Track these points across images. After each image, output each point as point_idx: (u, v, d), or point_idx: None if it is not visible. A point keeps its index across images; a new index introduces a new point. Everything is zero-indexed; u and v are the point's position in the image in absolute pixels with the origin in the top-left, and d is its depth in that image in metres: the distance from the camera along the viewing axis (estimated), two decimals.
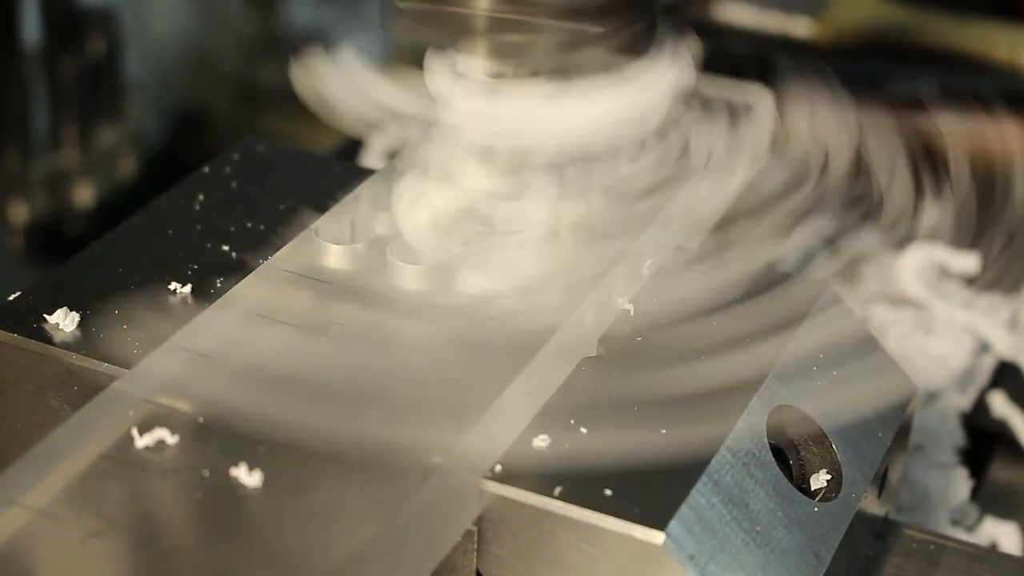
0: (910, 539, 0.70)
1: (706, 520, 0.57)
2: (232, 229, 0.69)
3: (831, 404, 0.65)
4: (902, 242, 1.01)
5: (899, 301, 0.96)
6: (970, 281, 0.97)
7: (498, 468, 0.58)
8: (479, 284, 0.64)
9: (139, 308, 0.64)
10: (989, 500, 0.83)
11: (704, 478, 0.58)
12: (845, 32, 1.17)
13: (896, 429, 0.67)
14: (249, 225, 0.69)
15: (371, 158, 1.03)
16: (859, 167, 1.08)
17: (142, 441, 0.56)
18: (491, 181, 0.65)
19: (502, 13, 0.62)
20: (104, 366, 0.61)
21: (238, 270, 0.65)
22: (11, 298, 0.64)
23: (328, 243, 0.66)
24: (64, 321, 0.62)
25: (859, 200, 1.06)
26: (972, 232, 1.01)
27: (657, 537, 0.55)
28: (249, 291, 0.64)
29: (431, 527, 0.56)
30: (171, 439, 0.56)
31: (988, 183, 1.08)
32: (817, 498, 0.62)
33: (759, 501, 0.59)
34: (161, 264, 0.66)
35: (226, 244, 0.68)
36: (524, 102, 0.64)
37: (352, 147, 1.05)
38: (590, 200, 0.68)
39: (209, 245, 0.68)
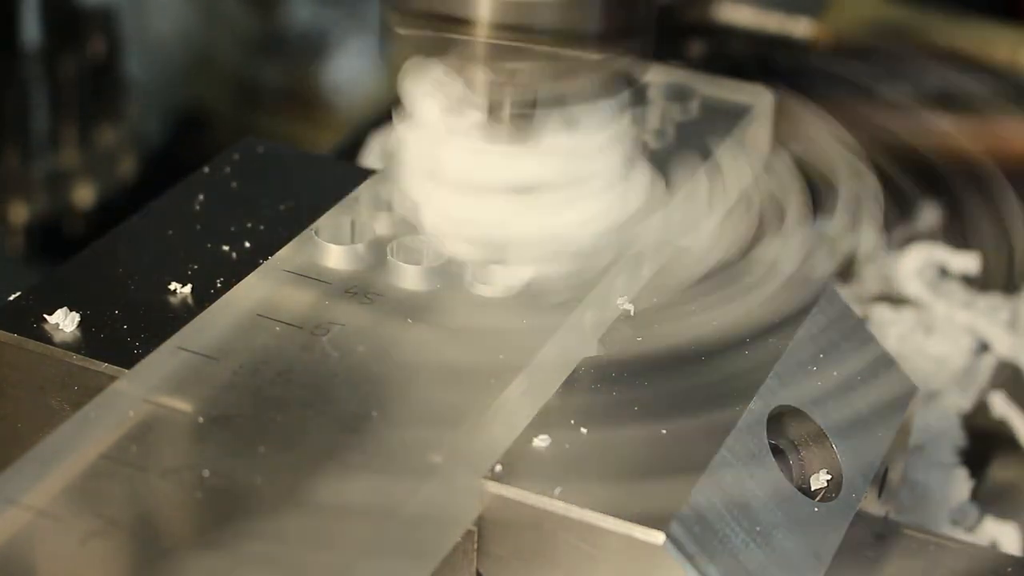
0: (910, 539, 0.70)
1: (706, 520, 0.57)
2: (232, 229, 0.69)
3: (831, 404, 0.65)
4: (902, 242, 1.01)
5: (899, 301, 0.96)
6: (970, 281, 0.98)
7: (498, 468, 0.58)
8: (480, 284, 0.64)
9: (139, 308, 0.64)
10: (989, 500, 0.83)
11: (704, 478, 0.58)
12: (845, 32, 1.17)
13: (896, 429, 0.67)
14: (249, 225, 0.69)
15: (371, 158, 1.03)
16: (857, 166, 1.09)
17: (142, 441, 0.56)
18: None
19: (502, 40, 0.62)
20: (104, 366, 0.61)
21: (238, 270, 0.65)
22: (11, 298, 0.64)
23: (328, 243, 0.66)
24: (64, 321, 0.62)
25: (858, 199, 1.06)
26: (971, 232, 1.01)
27: (657, 537, 0.55)
28: (249, 291, 0.64)
29: (431, 527, 0.56)
30: (171, 439, 0.57)
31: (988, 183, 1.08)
32: (817, 498, 0.62)
33: (759, 501, 0.59)
34: (161, 264, 0.66)
35: (226, 244, 0.68)
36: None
37: (352, 147, 1.05)
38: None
39: (209, 245, 0.68)
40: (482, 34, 0.62)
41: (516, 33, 0.62)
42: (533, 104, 0.64)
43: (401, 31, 0.64)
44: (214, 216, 0.70)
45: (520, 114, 0.64)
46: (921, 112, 1.09)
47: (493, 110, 0.64)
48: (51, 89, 1.19)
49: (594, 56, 0.63)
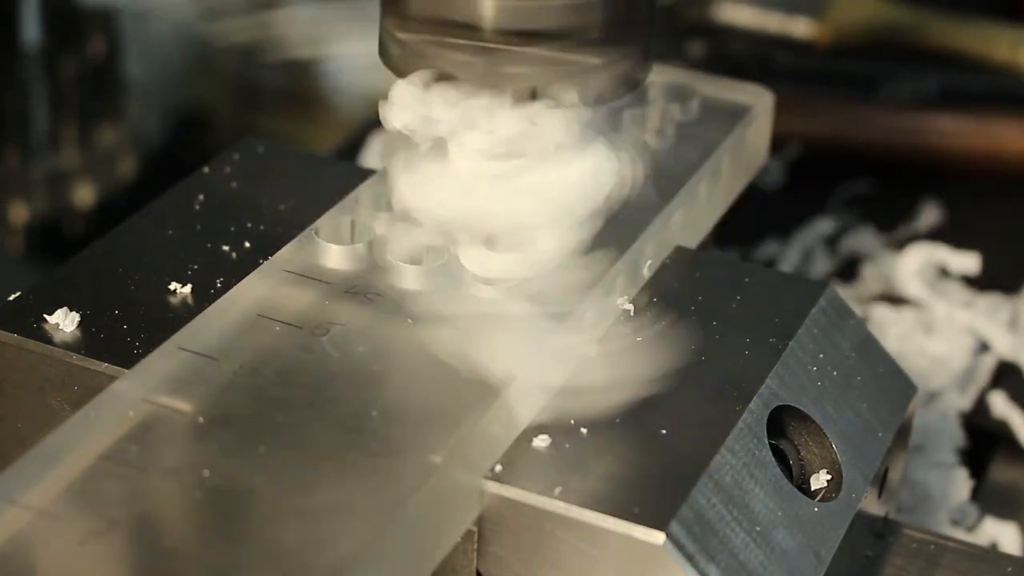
0: (910, 539, 0.70)
1: (706, 520, 0.57)
2: (232, 229, 0.69)
3: (831, 404, 0.65)
4: (902, 242, 1.01)
5: (899, 301, 0.96)
6: (970, 281, 0.98)
7: (498, 468, 0.58)
8: (480, 284, 0.64)
9: (139, 308, 0.64)
10: (989, 500, 0.83)
11: (704, 478, 0.58)
12: (845, 32, 1.17)
13: (896, 429, 0.67)
14: (249, 225, 0.69)
15: (371, 158, 1.03)
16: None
17: (142, 441, 0.56)
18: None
19: (500, 45, 0.62)
20: (104, 366, 0.61)
21: (238, 270, 0.65)
22: (11, 298, 0.64)
23: (328, 243, 0.66)
24: (64, 321, 0.62)
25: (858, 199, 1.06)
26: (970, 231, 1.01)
27: (657, 537, 0.55)
28: (249, 291, 0.64)
29: (431, 527, 0.56)
30: (171, 439, 0.57)
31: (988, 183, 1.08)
32: (817, 498, 0.62)
33: (759, 501, 0.59)
34: (161, 264, 0.66)
35: (226, 244, 0.68)
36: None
37: (352, 147, 1.05)
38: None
39: (209, 245, 0.68)
40: (482, 38, 0.62)
41: (515, 37, 0.62)
42: (532, 96, 0.64)
43: (402, 36, 0.64)
44: (214, 216, 0.70)
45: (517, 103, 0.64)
46: (921, 112, 1.09)
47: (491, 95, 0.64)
48: (51, 89, 1.19)
49: (594, 59, 0.63)
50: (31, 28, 1.19)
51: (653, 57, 0.67)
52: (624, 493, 0.57)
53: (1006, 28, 1.16)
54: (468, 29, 0.62)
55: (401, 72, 0.65)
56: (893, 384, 0.69)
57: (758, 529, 0.59)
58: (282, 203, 0.71)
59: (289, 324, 0.62)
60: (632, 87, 0.66)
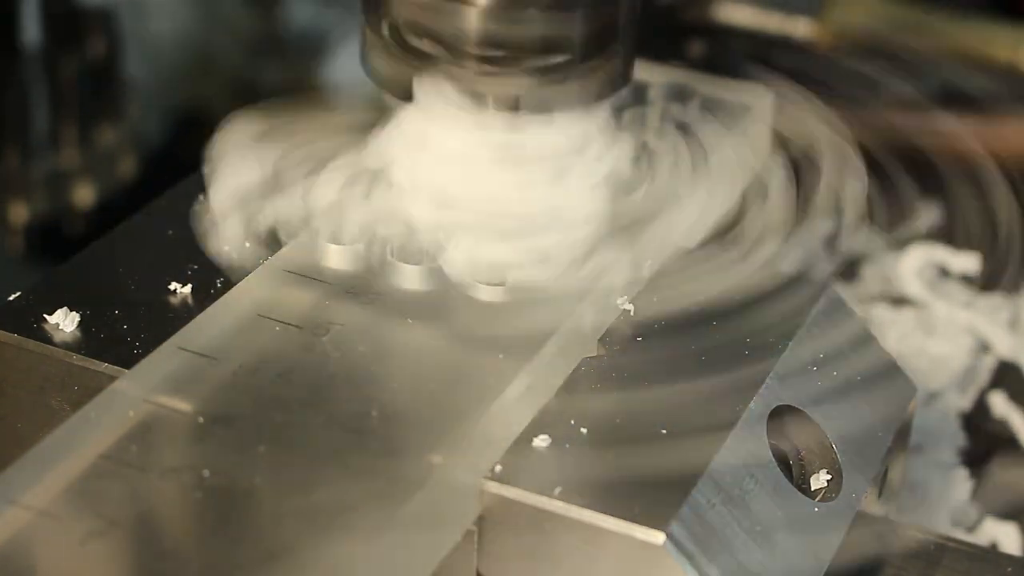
0: (910, 539, 0.70)
1: (706, 520, 0.57)
2: None
3: (831, 404, 0.65)
4: (902, 242, 1.01)
5: (899, 301, 0.96)
6: (970, 281, 0.98)
7: (498, 468, 0.58)
8: (480, 284, 0.64)
9: (139, 308, 0.64)
10: (989, 500, 0.83)
11: (704, 478, 0.58)
12: (845, 32, 1.17)
13: (896, 429, 0.67)
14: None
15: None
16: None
17: (142, 441, 0.56)
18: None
19: (486, 52, 0.63)
20: (104, 366, 0.61)
21: (238, 270, 0.65)
22: (11, 298, 0.64)
23: (328, 243, 0.66)
24: (64, 321, 0.62)
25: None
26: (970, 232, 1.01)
27: (657, 537, 0.55)
28: (249, 291, 0.64)
29: (431, 527, 0.56)
30: (171, 439, 0.57)
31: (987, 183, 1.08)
32: (817, 498, 0.62)
33: (759, 501, 0.59)
34: (161, 264, 0.66)
35: (226, 244, 0.68)
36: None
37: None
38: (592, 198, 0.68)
39: (209, 245, 0.68)
40: (466, 48, 0.63)
41: (498, 47, 0.62)
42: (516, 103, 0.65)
43: (381, 45, 0.64)
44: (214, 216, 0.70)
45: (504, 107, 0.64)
46: (921, 112, 1.09)
47: (479, 104, 0.64)
48: (51, 89, 1.19)
49: (578, 64, 0.64)
50: (31, 28, 1.19)
51: (637, 53, 0.68)
52: (624, 493, 0.57)
53: (1006, 28, 1.16)
54: (453, 42, 0.63)
55: (385, 86, 0.65)
56: (893, 384, 0.69)
57: (758, 529, 0.59)
58: None
59: (289, 324, 0.62)
60: (619, 86, 0.67)
